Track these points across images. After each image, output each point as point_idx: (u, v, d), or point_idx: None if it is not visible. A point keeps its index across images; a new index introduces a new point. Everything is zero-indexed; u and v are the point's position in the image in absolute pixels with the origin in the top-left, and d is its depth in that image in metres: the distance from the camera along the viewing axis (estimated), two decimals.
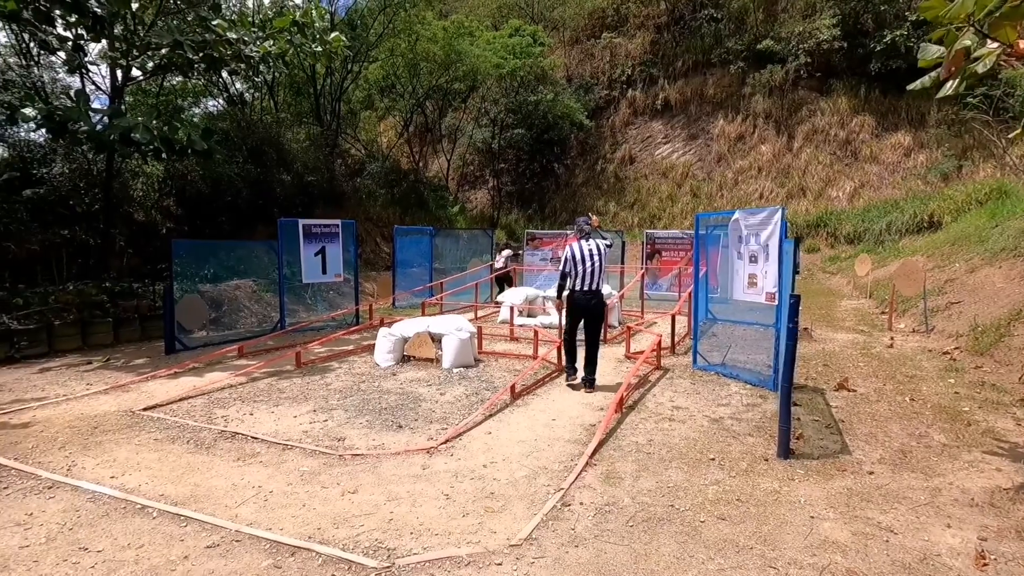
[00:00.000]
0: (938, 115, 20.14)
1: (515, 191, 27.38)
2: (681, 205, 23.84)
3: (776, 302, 5.56)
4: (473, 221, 24.79)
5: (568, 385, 5.96)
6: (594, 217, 6.29)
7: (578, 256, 5.72)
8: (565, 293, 6.13)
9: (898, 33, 19.76)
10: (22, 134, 10.82)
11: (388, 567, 2.75)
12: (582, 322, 5.99)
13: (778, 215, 5.48)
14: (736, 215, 6.02)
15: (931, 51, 3.66)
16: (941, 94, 3.77)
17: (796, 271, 4.72)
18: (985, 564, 2.65)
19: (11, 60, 12.33)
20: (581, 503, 3.40)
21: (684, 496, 3.45)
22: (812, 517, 3.15)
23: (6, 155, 10.66)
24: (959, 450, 4.05)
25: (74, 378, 6.49)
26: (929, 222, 15.74)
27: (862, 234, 18.35)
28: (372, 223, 18.79)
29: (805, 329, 8.71)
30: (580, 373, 5.97)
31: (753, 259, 5.79)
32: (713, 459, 3.99)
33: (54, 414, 5.18)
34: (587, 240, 5.80)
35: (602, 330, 6.18)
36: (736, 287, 6.04)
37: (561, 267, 5.92)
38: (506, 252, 13.10)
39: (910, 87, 4.12)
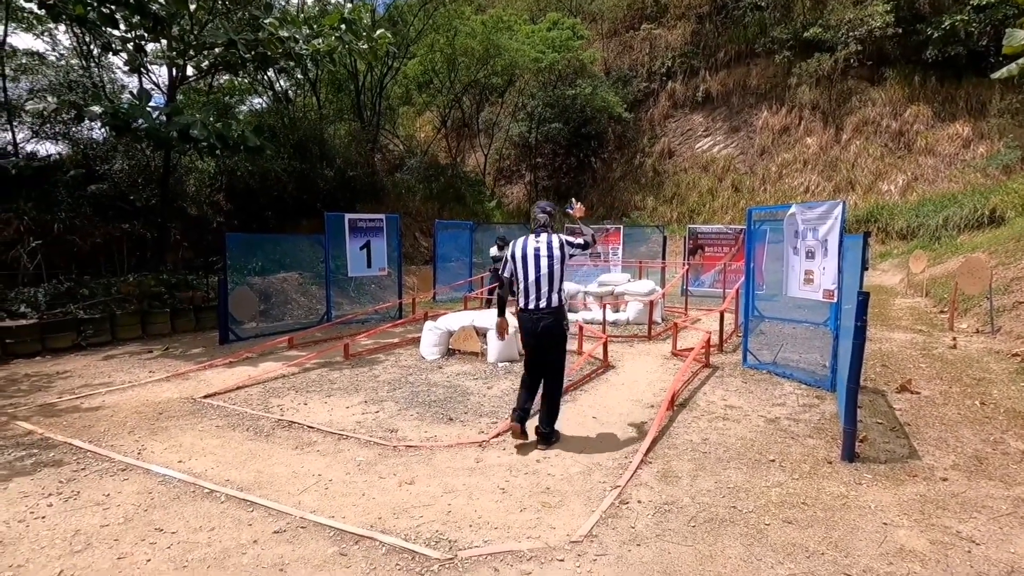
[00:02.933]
0: (1000, 104, 19.09)
1: (551, 185, 27.23)
2: (722, 200, 23.30)
3: (835, 299, 5.38)
4: (510, 216, 24.78)
5: (512, 436, 4.18)
6: (577, 204, 4.43)
7: (519, 257, 4.09)
8: (510, 310, 4.52)
9: (958, 18, 18.79)
10: (85, 132, 11.32)
11: (451, 559, 2.77)
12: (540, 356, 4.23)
13: (839, 209, 5.28)
14: (793, 209, 5.83)
15: (1018, 36, 3.47)
16: None
17: (865, 267, 4.53)
18: None
19: (73, 62, 12.91)
20: (639, 501, 3.35)
21: (746, 498, 3.36)
22: (885, 524, 3.04)
23: (70, 152, 11.18)
24: None
25: (137, 366, 6.77)
26: (990, 217, 14.94)
27: (916, 229, 17.57)
28: (411, 217, 18.97)
29: None
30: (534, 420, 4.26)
31: (810, 255, 5.60)
32: (773, 460, 3.88)
33: (121, 400, 5.42)
34: (538, 235, 4.14)
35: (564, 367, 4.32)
36: (791, 283, 5.86)
37: (500, 271, 4.35)
38: (493, 251, 10.77)
39: (995, 75, 3.92)
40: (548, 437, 4.19)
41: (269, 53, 8.22)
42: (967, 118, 20.05)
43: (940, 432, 4.35)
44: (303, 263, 11.36)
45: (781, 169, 22.89)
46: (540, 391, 4.29)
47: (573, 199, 4.62)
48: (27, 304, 7.45)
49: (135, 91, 10.77)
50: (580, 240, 4.22)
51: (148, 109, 7.08)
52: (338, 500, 3.41)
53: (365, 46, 9.10)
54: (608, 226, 14.61)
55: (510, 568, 2.71)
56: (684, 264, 12.73)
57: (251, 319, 9.29)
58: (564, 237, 4.18)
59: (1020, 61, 3.58)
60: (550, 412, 4.21)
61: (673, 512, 3.22)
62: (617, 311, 9.81)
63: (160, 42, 8.26)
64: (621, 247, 13.65)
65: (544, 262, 4.05)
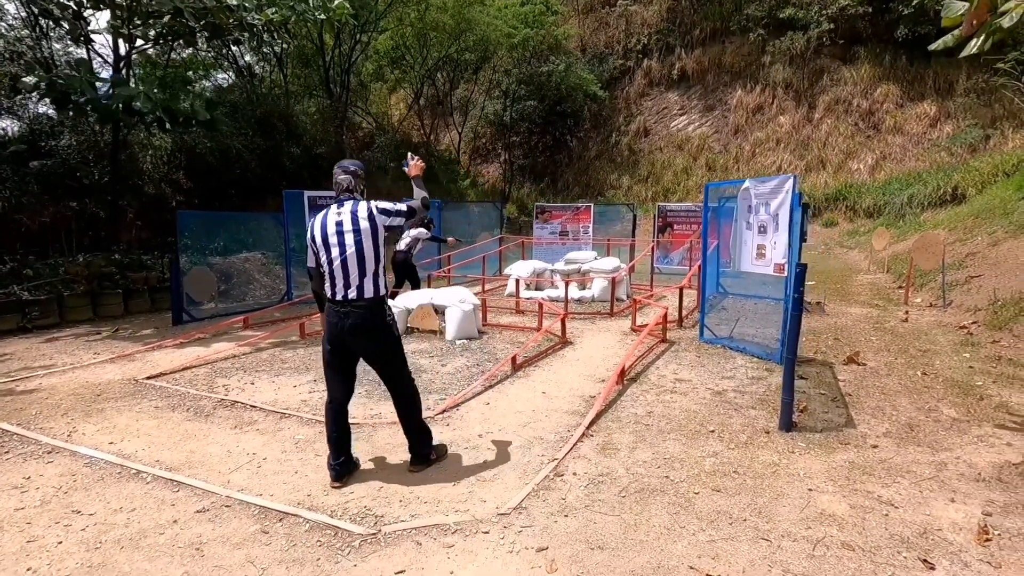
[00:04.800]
0: (967, 83, 19.35)
1: (527, 164, 27.03)
2: (696, 179, 23.36)
3: (785, 273, 5.41)
4: (485, 195, 24.57)
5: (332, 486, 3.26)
6: (414, 160, 3.53)
7: (318, 236, 3.18)
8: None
9: None
10: (31, 107, 10.84)
11: (374, 534, 2.73)
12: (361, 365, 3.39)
13: (790, 183, 5.28)
14: (746, 183, 5.83)
15: (955, 8, 3.44)
16: (964, 53, 3.55)
17: (803, 239, 4.53)
18: (988, 539, 2.55)
19: (24, 32, 12.29)
20: (574, 473, 3.35)
21: (680, 468, 3.38)
22: (810, 490, 3.07)
23: (17, 129, 10.71)
24: (969, 424, 3.92)
25: (82, 347, 6.57)
26: (953, 195, 15.23)
27: (882, 208, 17.85)
28: (382, 197, 18.67)
29: (818, 303, 8.52)
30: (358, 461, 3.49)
31: (762, 229, 5.61)
32: (713, 431, 3.91)
33: (60, 382, 5.25)
34: (340, 205, 3.21)
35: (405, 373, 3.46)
36: (744, 258, 5.88)
37: (313, 258, 3.30)
38: (414, 231, 8.33)
39: (932, 47, 3.89)
40: (423, 457, 3.40)
41: (218, 22, 7.89)
42: (935, 97, 20.29)
43: (879, 401, 4.42)
44: (267, 242, 11.10)
45: (754, 148, 23.00)
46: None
47: (410, 153, 3.65)
48: None
49: (90, 63, 10.33)
50: (401, 205, 3.26)
51: (88, 80, 6.77)
52: (269, 478, 3.34)
53: (322, 16, 8.80)
54: (579, 204, 14.54)
55: (433, 541, 2.68)
56: (653, 241, 12.77)
57: (209, 299, 9.09)
58: (375, 204, 3.21)
59: (956, 32, 3.56)
60: (419, 435, 3.39)
61: (606, 483, 3.22)
62: (583, 288, 9.81)
63: (101, 9, 7.87)
64: (591, 225, 13.61)
65: (349, 239, 3.11)
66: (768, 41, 23.23)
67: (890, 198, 17.66)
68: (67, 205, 9.41)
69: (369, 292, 3.16)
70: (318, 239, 3.17)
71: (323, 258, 3.18)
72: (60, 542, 2.71)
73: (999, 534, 2.61)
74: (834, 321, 7.51)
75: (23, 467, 3.51)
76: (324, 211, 3.24)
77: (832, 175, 20.75)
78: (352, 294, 3.14)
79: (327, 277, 3.20)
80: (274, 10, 8.26)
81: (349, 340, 3.21)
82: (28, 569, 2.50)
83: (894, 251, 12.66)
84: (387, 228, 3.22)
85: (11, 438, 3.95)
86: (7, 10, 12.71)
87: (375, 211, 3.17)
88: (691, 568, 2.43)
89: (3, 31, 12.02)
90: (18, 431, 4.04)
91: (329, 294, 3.22)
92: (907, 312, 7.73)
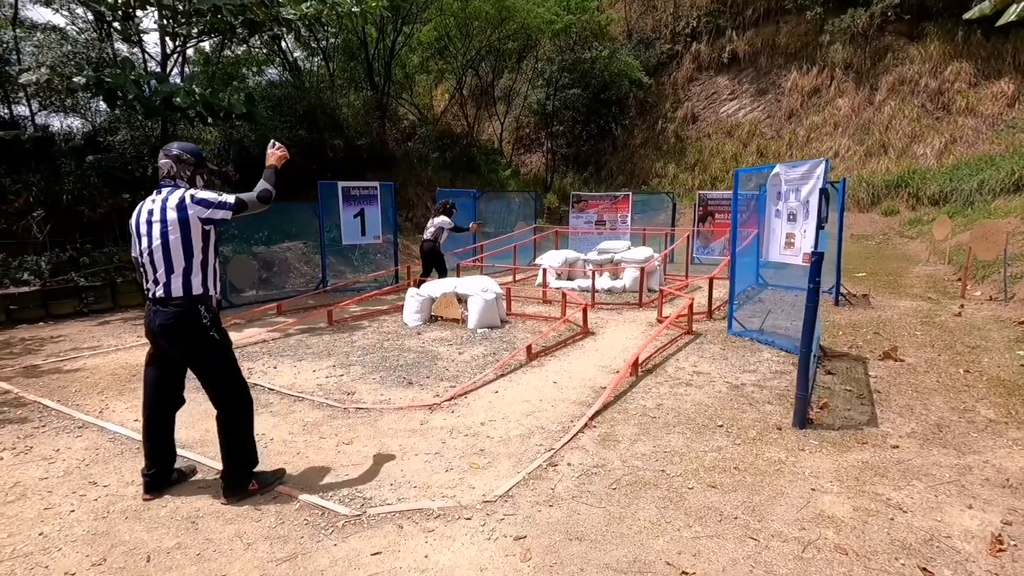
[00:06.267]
0: None
1: (570, 154, 26.74)
2: (746, 166, 22.49)
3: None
4: (526, 184, 24.47)
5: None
6: (274, 147, 3.12)
7: (133, 225, 2.89)
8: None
9: None
10: (93, 104, 11.53)
11: (358, 515, 2.78)
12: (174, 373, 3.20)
13: (821, 168, 4.98)
14: (776, 169, 5.55)
15: None
16: (1002, 21, 3.25)
17: (821, 225, 4.24)
18: (1001, 550, 2.35)
19: (93, 35, 13.08)
20: (569, 464, 3.30)
21: (679, 462, 3.27)
22: (813, 490, 2.91)
23: (80, 126, 11.44)
24: (1007, 427, 3.61)
25: (128, 331, 6.98)
26: None
27: (949, 195, 16.66)
28: (423, 187, 18.90)
29: (863, 295, 8.07)
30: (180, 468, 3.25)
31: (792, 217, 5.34)
32: (721, 426, 3.76)
33: (102, 362, 5.60)
34: (159, 192, 2.90)
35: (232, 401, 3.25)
36: (772, 247, 5.61)
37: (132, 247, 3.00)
38: (439, 220, 8.47)
39: (966, 15, 3.57)
40: (234, 487, 2.97)
41: (256, 18, 8.15)
42: (1013, 75, 18.70)
43: (910, 400, 4.14)
44: (307, 232, 11.47)
45: (809, 133, 21.92)
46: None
47: (272, 140, 3.20)
48: (30, 272, 7.74)
49: (147, 63, 10.92)
50: (228, 198, 2.89)
51: (130, 78, 7.14)
52: (271, 459, 3.45)
53: (356, 9, 8.94)
54: (616, 193, 14.26)
55: (415, 525, 2.70)
56: (692, 230, 12.38)
57: (251, 287, 9.50)
58: (192, 192, 2.87)
59: None
60: (232, 458, 3.02)
61: (599, 475, 3.16)
62: (615, 278, 9.64)
63: (147, 8, 8.27)
64: (630, 214, 13.33)
65: (156, 230, 2.81)
66: (827, 19, 22.00)
67: (958, 184, 16.46)
68: (122, 197, 9.97)
69: (177, 291, 2.85)
70: (133, 227, 2.89)
71: (137, 247, 2.90)
72: (72, 511, 2.89)
73: (1015, 544, 2.40)
74: (878, 314, 7.08)
75: (55, 440, 3.77)
76: (144, 200, 2.95)
77: (894, 160, 19.52)
78: (159, 292, 2.85)
79: (144, 272, 2.92)
80: (308, 4, 8.45)
81: (159, 342, 2.98)
82: (40, 533, 2.68)
83: (958, 241, 11.80)
84: (205, 221, 2.85)
85: (50, 413, 4.25)
86: (78, 14, 13.60)
87: (188, 201, 2.82)
88: (668, 564, 2.35)
89: (75, 34, 12.84)
90: (57, 407, 4.34)
91: (145, 289, 2.96)
92: (962, 306, 7.20)
